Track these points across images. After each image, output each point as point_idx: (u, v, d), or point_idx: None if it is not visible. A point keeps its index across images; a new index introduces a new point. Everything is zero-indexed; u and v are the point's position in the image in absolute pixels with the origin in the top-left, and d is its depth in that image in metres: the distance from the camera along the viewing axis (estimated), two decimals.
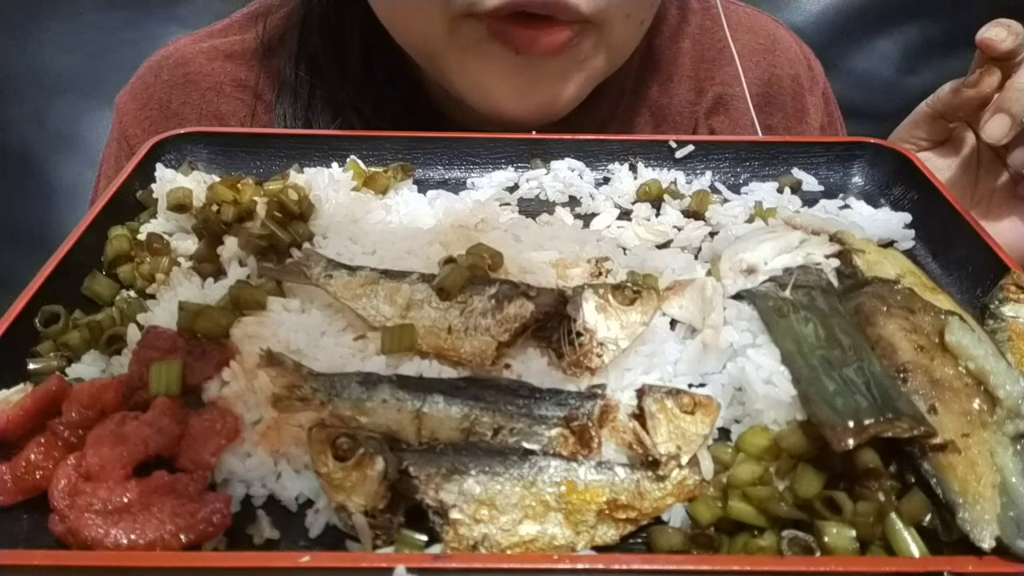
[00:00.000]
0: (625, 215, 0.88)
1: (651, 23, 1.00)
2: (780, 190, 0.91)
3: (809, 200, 0.90)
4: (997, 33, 0.89)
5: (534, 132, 0.95)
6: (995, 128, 0.90)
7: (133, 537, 0.51)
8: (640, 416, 0.60)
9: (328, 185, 0.85)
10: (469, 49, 0.91)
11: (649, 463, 0.58)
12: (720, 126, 1.16)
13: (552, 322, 0.66)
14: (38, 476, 0.57)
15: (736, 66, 1.10)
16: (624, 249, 0.81)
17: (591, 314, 0.66)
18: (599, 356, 0.64)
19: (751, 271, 0.73)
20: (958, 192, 1.00)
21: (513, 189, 0.92)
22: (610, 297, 0.67)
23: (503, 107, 0.96)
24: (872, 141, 0.94)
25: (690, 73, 1.16)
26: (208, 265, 0.76)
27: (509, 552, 0.53)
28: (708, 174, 0.93)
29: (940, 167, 1.01)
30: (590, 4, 0.85)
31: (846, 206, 0.89)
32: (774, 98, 1.18)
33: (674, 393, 0.61)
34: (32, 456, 0.57)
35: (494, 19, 0.86)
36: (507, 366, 0.65)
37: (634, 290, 0.68)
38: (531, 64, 0.91)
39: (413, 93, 1.07)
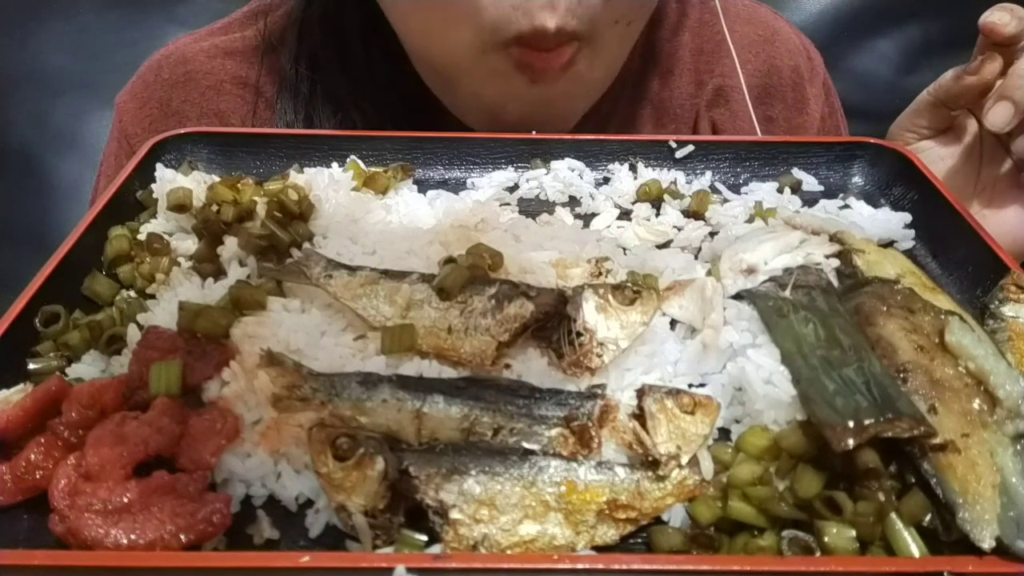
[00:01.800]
0: (625, 215, 0.88)
1: (651, 19, 1.00)
2: (780, 190, 0.91)
3: (809, 200, 0.90)
4: (1000, 17, 0.89)
5: (534, 132, 0.95)
6: (998, 116, 0.89)
7: (133, 537, 0.51)
8: (640, 416, 0.60)
9: (328, 185, 0.85)
10: (490, 78, 0.92)
11: (649, 463, 0.58)
12: (721, 118, 1.16)
13: (552, 322, 0.66)
14: (38, 476, 0.57)
15: (733, 58, 1.10)
16: (624, 249, 0.81)
17: (591, 314, 0.66)
18: (599, 356, 0.64)
19: (751, 271, 0.73)
20: (961, 181, 0.99)
21: (513, 189, 0.92)
22: (610, 297, 0.67)
23: (508, 120, 0.97)
24: (872, 141, 0.94)
25: (690, 66, 1.16)
26: (208, 265, 0.76)
27: (509, 552, 0.53)
28: (708, 174, 0.93)
29: (943, 156, 1.01)
30: (579, 24, 0.86)
31: (846, 206, 0.89)
32: (775, 89, 1.18)
33: (674, 393, 0.61)
34: (32, 456, 0.57)
35: (518, 47, 0.87)
36: (507, 366, 0.65)
37: (634, 290, 0.68)
38: (541, 91, 0.92)
39: (414, 91, 1.08)
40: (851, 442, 0.54)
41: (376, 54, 1.04)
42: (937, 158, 0.99)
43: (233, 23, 1.18)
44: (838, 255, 0.75)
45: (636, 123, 1.15)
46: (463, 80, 0.95)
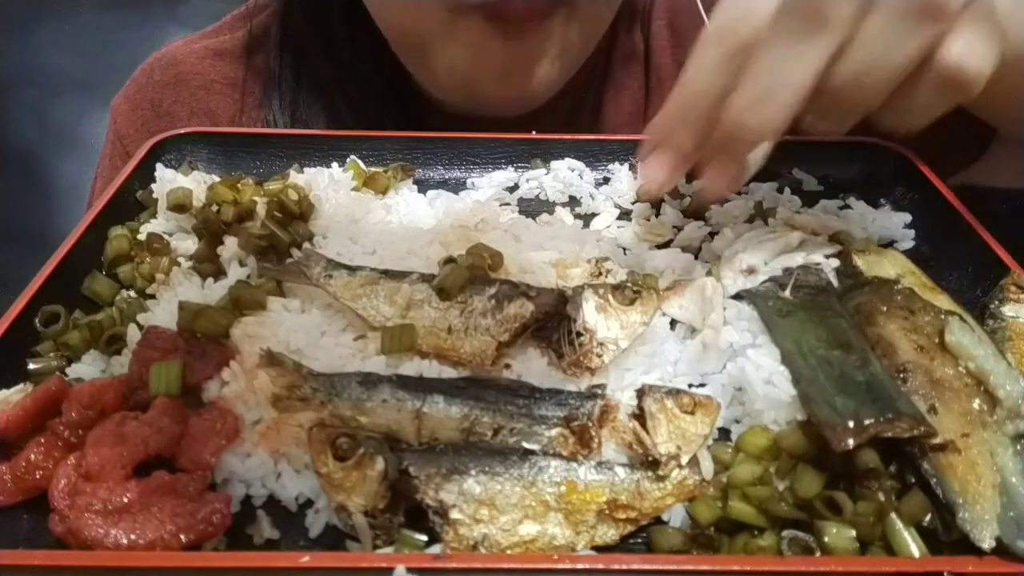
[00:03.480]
0: (625, 215, 0.88)
1: (628, 4, 1.00)
2: (780, 190, 0.91)
3: (809, 200, 0.90)
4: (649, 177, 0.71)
5: (534, 132, 0.95)
6: (715, 185, 0.69)
7: (133, 537, 0.51)
8: (640, 416, 0.60)
9: (328, 185, 0.85)
10: (460, 41, 0.92)
11: (649, 463, 0.58)
12: None
13: (552, 322, 0.66)
14: (38, 476, 0.57)
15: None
16: (624, 249, 0.81)
17: (591, 314, 0.66)
18: (599, 356, 0.64)
19: (751, 271, 0.73)
20: None
21: (513, 189, 0.92)
22: (610, 297, 0.67)
23: (485, 93, 0.97)
24: (872, 141, 0.94)
25: (667, 44, 1.15)
26: (208, 265, 0.76)
27: (509, 552, 0.53)
28: None
29: None
30: None
31: (846, 206, 0.89)
32: None
33: (674, 393, 0.61)
34: (32, 456, 0.57)
35: (488, 6, 0.87)
36: (507, 366, 0.65)
37: (634, 290, 0.68)
38: (514, 50, 0.92)
39: (399, 75, 1.08)
40: (851, 442, 0.54)
41: (360, 39, 1.05)
42: None
43: (223, 26, 1.20)
44: (838, 255, 0.75)
45: (619, 109, 1.14)
46: (437, 51, 0.95)
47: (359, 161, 0.91)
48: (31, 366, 0.67)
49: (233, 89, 1.12)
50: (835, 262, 0.75)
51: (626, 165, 0.93)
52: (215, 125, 1.07)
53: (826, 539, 0.52)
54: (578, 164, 0.93)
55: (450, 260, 0.72)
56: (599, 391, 0.62)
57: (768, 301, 0.69)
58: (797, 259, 0.74)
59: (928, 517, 0.54)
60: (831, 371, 0.60)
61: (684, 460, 0.58)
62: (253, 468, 0.58)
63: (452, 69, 0.96)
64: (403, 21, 0.96)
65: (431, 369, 0.64)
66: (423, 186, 0.91)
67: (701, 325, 0.68)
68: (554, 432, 0.59)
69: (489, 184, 0.91)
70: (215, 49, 1.15)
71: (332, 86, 1.06)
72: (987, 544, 0.51)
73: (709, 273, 0.75)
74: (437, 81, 1.00)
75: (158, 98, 1.13)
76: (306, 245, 0.76)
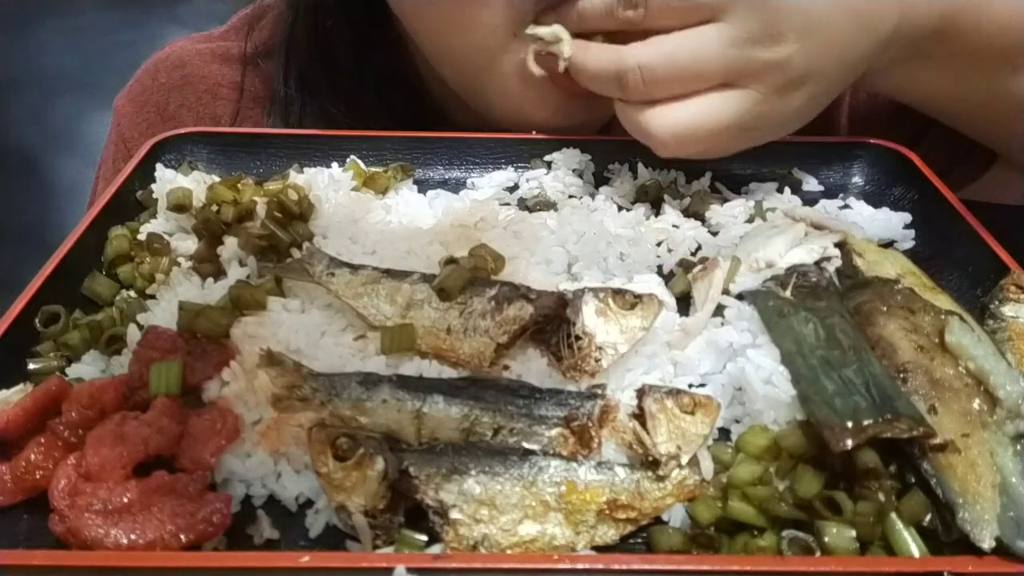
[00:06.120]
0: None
1: None
2: (780, 190, 0.91)
3: (809, 200, 0.90)
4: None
5: (534, 132, 0.95)
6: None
7: (133, 537, 0.51)
8: (640, 416, 0.60)
9: (328, 185, 0.85)
10: (520, 69, 0.87)
11: (649, 463, 0.58)
12: None
13: (551, 325, 0.66)
14: (38, 476, 0.57)
15: None
16: (623, 254, 0.80)
17: (591, 318, 0.66)
18: (597, 360, 0.64)
19: (770, 265, 0.73)
20: None
21: (513, 189, 0.92)
22: (610, 301, 0.67)
23: (535, 122, 0.94)
24: (872, 141, 0.94)
25: None
26: (208, 265, 0.76)
27: (509, 552, 0.53)
28: (708, 174, 0.93)
29: None
30: None
31: (846, 206, 0.89)
32: None
33: (674, 393, 0.61)
34: (32, 456, 0.57)
35: None
36: (506, 367, 0.65)
37: (635, 295, 0.68)
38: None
39: (405, 103, 1.07)
40: (849, 443, 0.54)
41: (366, 70, 1.04)
42: None
43: (230, 30, 1.19)
44: (839, 247, 0.76)
45: None
46: (489, 76, 0.90)
47: (359, 161, 0.91)
48: (31, 366, 0.67)
49: (239, 96, 1.11)
50: (837, 262, 0.75)
51: (626, 165, 0.93)
52: None
53: (826, 539, 0.52)
54: (578, 164, 0.93)
55: (451, 260, 0.72)
56: (599, 391, 0.62)
57: (768, 301, 0.69)
58: (814, 248, 0.74)
59: (928, 517, 0.54)
60: (831, 371, 0.60)
61: (684, 460, 0.58)
62: (253, 468, 0.58)
63: (505, 93, 0.92)
64: (456, 44, 0.90)
65: (431, 369, 0.64)
66: (423, 186, 0.91)
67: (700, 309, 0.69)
68: (554, 432, 0.59)
69: (489, 184, 0.91)
70: (222, 54, 1.14)
71: (338, 119, 1.03)
72: (987, 544, 0.51)
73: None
74: (489, 107, 0.96)
75: (163, 101, 1.12)
76: (307, 244, 0.76)
